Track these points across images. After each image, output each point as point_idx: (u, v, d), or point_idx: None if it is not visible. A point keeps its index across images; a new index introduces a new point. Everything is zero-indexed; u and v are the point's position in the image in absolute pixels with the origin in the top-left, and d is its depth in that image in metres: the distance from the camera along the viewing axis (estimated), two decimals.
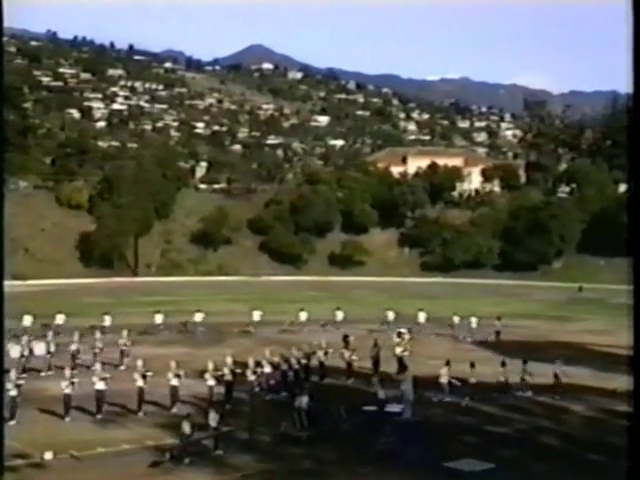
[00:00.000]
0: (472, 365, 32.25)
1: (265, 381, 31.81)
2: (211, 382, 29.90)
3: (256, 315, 49.93)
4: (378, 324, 49.31)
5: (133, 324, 47.21)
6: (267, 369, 31.99)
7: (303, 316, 50.43)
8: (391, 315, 50.60)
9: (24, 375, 31.76)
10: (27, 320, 43.61)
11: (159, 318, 48.36)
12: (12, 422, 26.76)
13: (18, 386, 28.24)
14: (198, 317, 48.62)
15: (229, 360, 31.09)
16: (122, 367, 34.57)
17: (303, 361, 34.05)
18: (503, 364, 33.17)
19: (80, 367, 34.03)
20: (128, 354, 35.52)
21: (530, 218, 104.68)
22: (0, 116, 14.71)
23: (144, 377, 29.00)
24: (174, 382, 29.17)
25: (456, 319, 49.42)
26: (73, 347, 35.67)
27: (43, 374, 33.62)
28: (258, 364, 31.70)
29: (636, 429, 8.98)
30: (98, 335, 37.91)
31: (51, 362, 35.14)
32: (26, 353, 34.88)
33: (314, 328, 47.84)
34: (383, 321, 50.12)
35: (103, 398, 28.27)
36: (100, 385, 28.24)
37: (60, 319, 45.66)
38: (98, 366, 29.81)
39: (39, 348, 35.50)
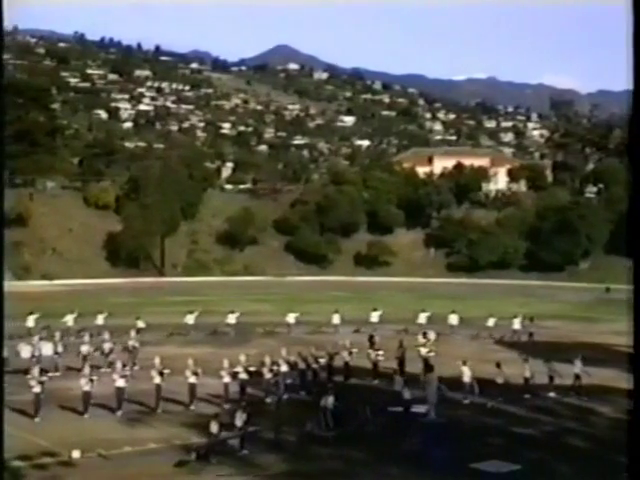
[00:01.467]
0: (498, 365, 32.17)
1: (282, 380, 31.97)
2: (226, 379, 30.25)
3: (291, 317, 49.05)
4: (404, 325, 48.77)
5: (158, 324, 47.53)
6: (284, 368, 32.24)
7: (336, 318, 49.37)
8: (423, 317, 49.35)
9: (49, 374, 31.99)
10: (31, 321, 43.52)
11: (191, 319, 47.82)
12: (37, 419, 27.40)
13: (41, 383, 28.69)
14: (231, 318, 48.08)
15: (242, 358, 31.44)
16: (136, 367, 34.20)
17: (323, 361, 34.13)
18: (525, 361, 33.23)
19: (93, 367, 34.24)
20: (137, 354, 35.20)
21: (557, 218, 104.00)
22: (1, 116, 14.39)
23: (161, 374, 29.43)
24: (192, 380, 29.62)
25: (491, 321, 48.94)
26: (84, 348, 35.64)
27: (51, 374, 33.39)
28: (275, 363, 31.94)
29: (636, 426, 8.97)
30: (106, 336, 37.94)
31: (58, 363, 35.05)
32: (36, 353, 34.72)
33: (347, 330, 46.96)
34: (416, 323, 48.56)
35: (123, 395, 28.76)
36: (120, 382, 28.73)
37: (100, 319, 45.43)
38: (119, 364, 30.03)
39: (46, 349, 35.24)
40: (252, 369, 31.24)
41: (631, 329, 9.42)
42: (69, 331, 42.07)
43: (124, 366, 30.15)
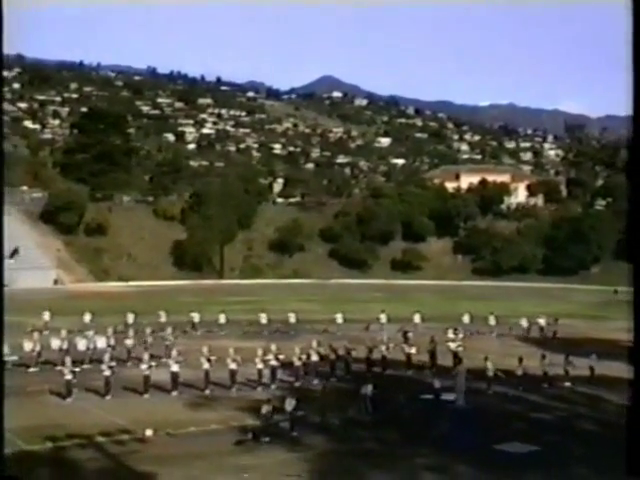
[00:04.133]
0: (520, 360, 32.00)
1: (313, 368, 32.48)
2: (260, 366, 30.95)
3: (339, 318, 48.48)
4: (435, 322, 48.24)
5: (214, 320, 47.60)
6: (314, 358, 32.76)
7: (383, 318, 48.18)
8: (467, 318, 48.93)
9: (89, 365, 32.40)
10: (87, 317, 43.46)
11: (264, 318, 47.56)
12: (108, 397, 28.39)
13: (111, 367, 29.43)
14: (292, 317, 47.81)
15: (273, 347, 32.01)
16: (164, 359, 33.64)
17: (354, 353, 34.34)
18: (543, 357, 33.01)
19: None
20: (172, 347, 34.46)
21: (570, 228, 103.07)
22: (0, 121, 14.12)
23: (209, 361, 30.25)
24: (232, 366, 30.32)
25: (524, 321, 48.49)
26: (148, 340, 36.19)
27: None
28: (309, 356, 32.59)
29: (636, 423, 8.84)
30: (170, 330, 38.30)
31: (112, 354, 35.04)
32: (91, 346, 34.86)
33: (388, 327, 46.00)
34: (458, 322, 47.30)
35: (177, 378, 29.66)
36: (175, 367, 29.71)
37: (163, 316, 45.57)
38: (174, 352, 30.73)
39: (100, 342, 35.39)
40: (282, 357, 31.72)
41: (631, 327, 9.32)
42: (128, 326, 41.80)
43: (179, 354, 30.64)
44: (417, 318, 48.68)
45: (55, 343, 34.57)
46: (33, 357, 33.61)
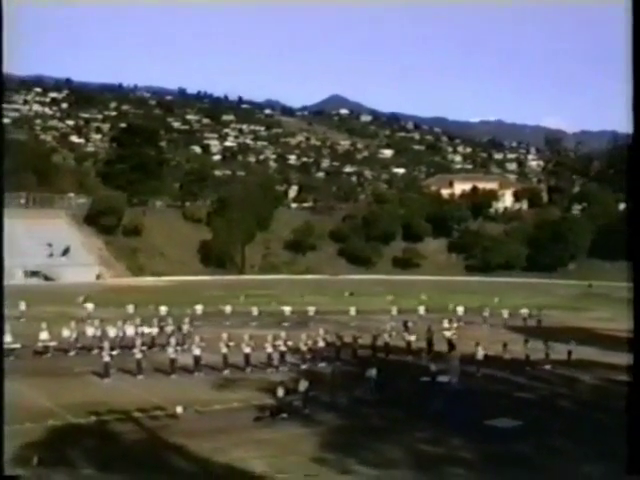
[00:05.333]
0: (505, 345, 32.05)
1: (319, 353, 32.50)
2: (269, 350, 31.01)
3: (352, 310, 47.62)
4: (431, 313, 48.01)
5: (239, 311, 47.63)
6: (321, 344, 32.96)
7: (394, 310, 47.37)
8: (460, 309, 48.41)
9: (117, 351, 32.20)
10: (130, 308, 43.45)
11: (287, 310, 46.61)
12: (140, 377, 28.48)
13: (142, 351, 29.67)
14: (311, 310, 46.73)
15: (283, 334, 32.16)
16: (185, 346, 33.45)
17: (361, 341, 34.27)
18: (526, 342, 33.08)
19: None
20: (190, 335, 34.38)
21: (551, 230, 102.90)
22: (0, 125, 13.65)
23: (228, 346, 30.45)
24: (247, 350, 30.44)
25: (508, 312, 48.22)
26: (169, 328, 35.90)
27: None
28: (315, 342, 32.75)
29: (636, 423, 8.73)
30: (188, 322, 37.68)
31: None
32: (120, 334, 34.59)
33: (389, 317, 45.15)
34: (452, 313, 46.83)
35: (200, 361, 29.82)
36: (197, 351, 29.86)
37: (199, 309, 45.23)
38: (197, 338, 30.74)
39: (129, 330, 35.06)
40: (290, 343, 31.79)
41: (631, 327, 9.23)
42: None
43: (201, 340, 30.70)
44: (422, 309, 48.43)
45: (90, 330, 34.68)
46: (71, 343, 33.69)
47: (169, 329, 35.85)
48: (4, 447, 11.02)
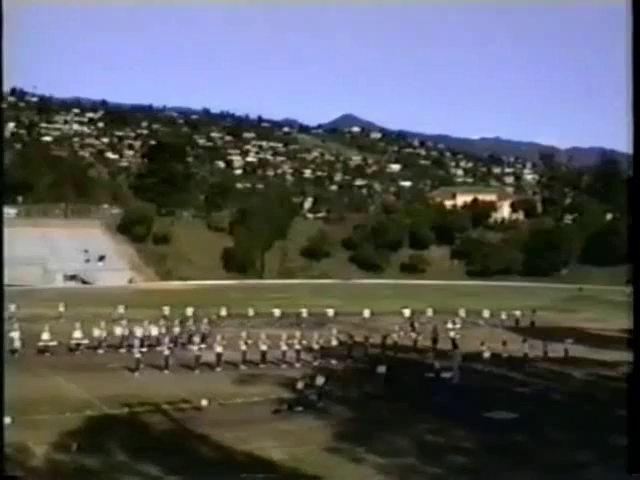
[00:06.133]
0: (504, 343, 32.01)
1: (332, 352, 32.43)
2: (284, 348, 31.10)
3: (366, 312, 46.80)
4: (435, 314, 47.62)
5: (262, 312, 47.54)
6: (334, 343, 33.06)
7: (407, 312, 46.44)
8: (462, 312, 47.35)
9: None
10: (166, 310, 42.94)
11: (304, 312, 45.76)
12: (166, 371, 28.51)
13: (170, 349, 29.87)
14: (330, 312, 46.21)
15: (298, 334, 32.14)
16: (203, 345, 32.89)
17: (371, 340, 34.17)
18: (524, 341, 33.03)
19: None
20: (209, 335, 34.53)
21: (545, 238, 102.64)
22: (0, 129, 13.67)
23: (246, 344, 30.62)
24: (263, 347, 30.65)
25: (505, 314, 47.69)
26: (192, 328, 36.05)
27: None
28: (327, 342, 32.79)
29: (636, 422, 8.60)
30: (210, 322, 37.78)
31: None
32: (146, 333, 34.37)
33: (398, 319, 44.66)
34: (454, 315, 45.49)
35: (221, 357, 29.97)
36: (219, 349, 29.98)
37: (224, 311, 44.94)
38: (219, 337, 30.79)
39: (153, 330, 35.02)
40: (304, 342, 31.72)
41: (631, 326, 9.16)
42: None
43: (222, 338, 30.76)
44: (430, 312, 47.92)
45: (118, 330, 34.79)
46: (101, 341, 33.81)
47: (193, 328, 36.00)
48: (4, 447, 10.91)
